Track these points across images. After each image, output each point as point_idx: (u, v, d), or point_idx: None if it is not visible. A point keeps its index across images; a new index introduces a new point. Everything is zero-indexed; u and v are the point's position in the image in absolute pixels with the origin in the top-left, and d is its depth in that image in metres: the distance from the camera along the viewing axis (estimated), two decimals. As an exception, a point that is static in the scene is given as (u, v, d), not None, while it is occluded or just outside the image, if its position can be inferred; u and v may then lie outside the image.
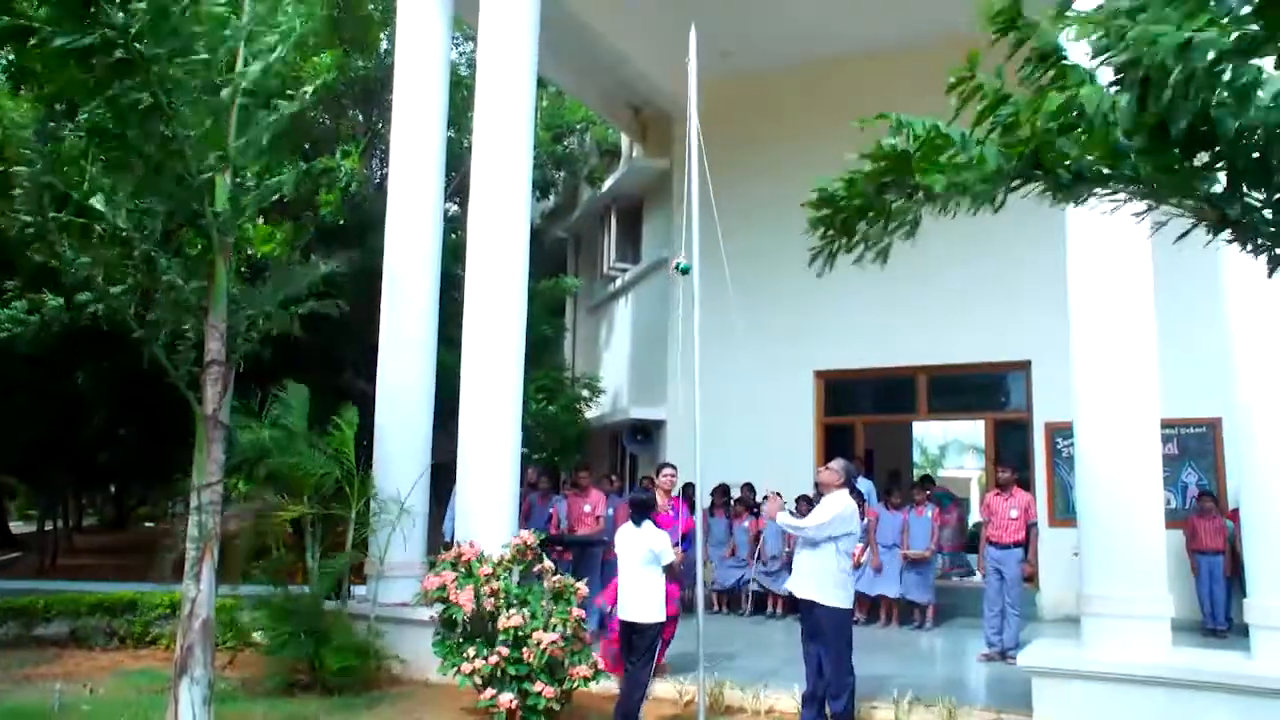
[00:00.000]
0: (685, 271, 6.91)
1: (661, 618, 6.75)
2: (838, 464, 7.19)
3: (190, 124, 5.94)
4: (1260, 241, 2.62)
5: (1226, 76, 2.45)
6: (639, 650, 6.75)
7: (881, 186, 2.79)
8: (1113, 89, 2.60)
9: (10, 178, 5.95)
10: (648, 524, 6.86)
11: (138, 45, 5.37)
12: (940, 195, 2.70)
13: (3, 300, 11.54)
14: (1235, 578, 9.77)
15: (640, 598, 6.74)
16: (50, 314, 10.90)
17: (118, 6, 5.26)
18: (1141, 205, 2.77)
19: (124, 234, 6.23)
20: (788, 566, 9.10)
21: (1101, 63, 2.61)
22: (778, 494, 7.33)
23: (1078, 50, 2.62)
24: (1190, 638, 9.13)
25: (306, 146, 13.71)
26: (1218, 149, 2.56)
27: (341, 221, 10.48)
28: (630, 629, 6.80)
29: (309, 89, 6.91)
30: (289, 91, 6.82)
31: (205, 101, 6.07)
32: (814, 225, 3.06)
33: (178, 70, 5.70)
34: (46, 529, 20.54)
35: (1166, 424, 8.62)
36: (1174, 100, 2.38)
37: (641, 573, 6.76)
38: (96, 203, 6.09)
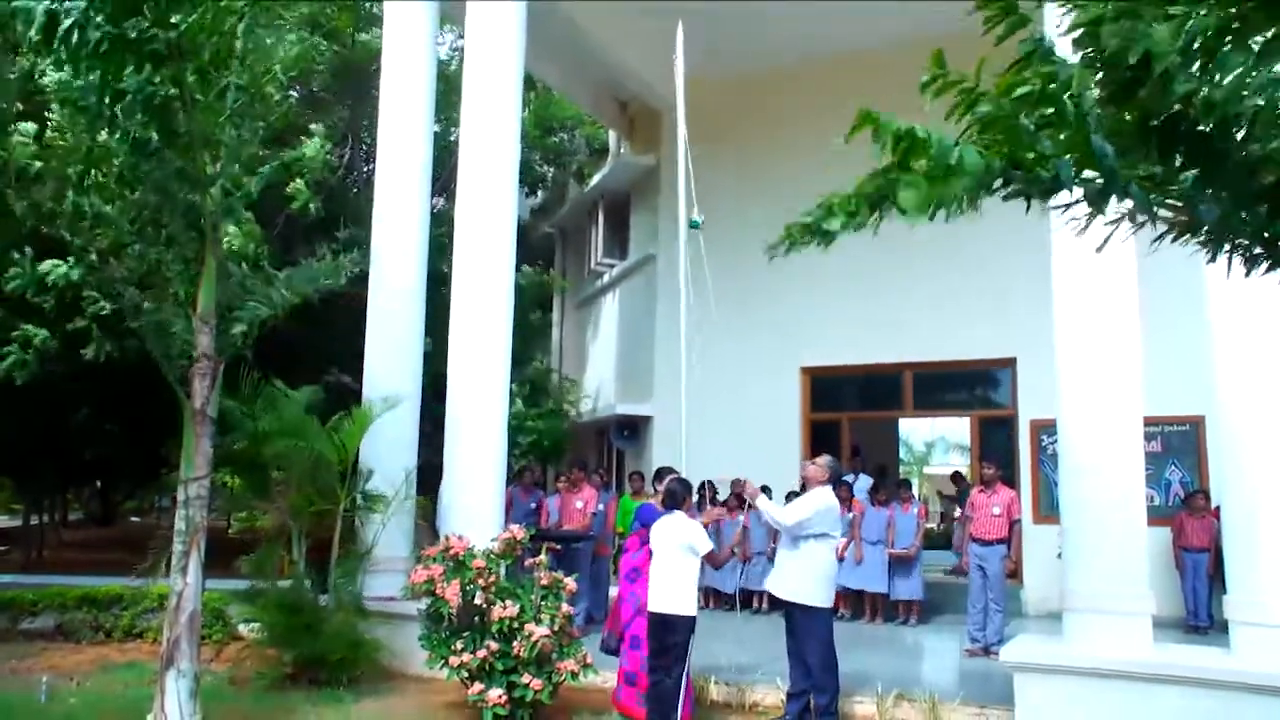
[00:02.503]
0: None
1: (693, 611, 6.44)
2: (824, 460, 7.21)
3: (202, 121, 6.03)
4: (1235, 242, 2.64)
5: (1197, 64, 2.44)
6: (671, 651, 6.37)
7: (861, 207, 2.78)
8: (1097, 78, 2.57)
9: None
10: (678, 513, 6.63)
11: (182, 41, 5.49)
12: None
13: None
14: (1217, 575, 9.86)
15: (671, 588, 6.43)
16: (43, 346, 10.52)
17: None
18: (1114, 213, 2.77)
19: (120, 225, 6.29)
20: (772, 562, 9.12)
21: (1091, 56, 2.58)
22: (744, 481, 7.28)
23: (1065, 46, 2.62)
24: (1173, 634, 9.21)
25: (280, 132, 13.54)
26: (1194, 150, 2.57)
27: (314, 210, 10.29)
28: (661, 624, 6.43)
29: (282, 92, 7.00)
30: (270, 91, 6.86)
31: (213, 101, 6.18)
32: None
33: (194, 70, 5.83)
34: (32, 523, 20.46)
35: (1150, 422, 8.70)
36: (1160, 88, 2.36)
37: (676, 562, 6.48)
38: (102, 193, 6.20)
